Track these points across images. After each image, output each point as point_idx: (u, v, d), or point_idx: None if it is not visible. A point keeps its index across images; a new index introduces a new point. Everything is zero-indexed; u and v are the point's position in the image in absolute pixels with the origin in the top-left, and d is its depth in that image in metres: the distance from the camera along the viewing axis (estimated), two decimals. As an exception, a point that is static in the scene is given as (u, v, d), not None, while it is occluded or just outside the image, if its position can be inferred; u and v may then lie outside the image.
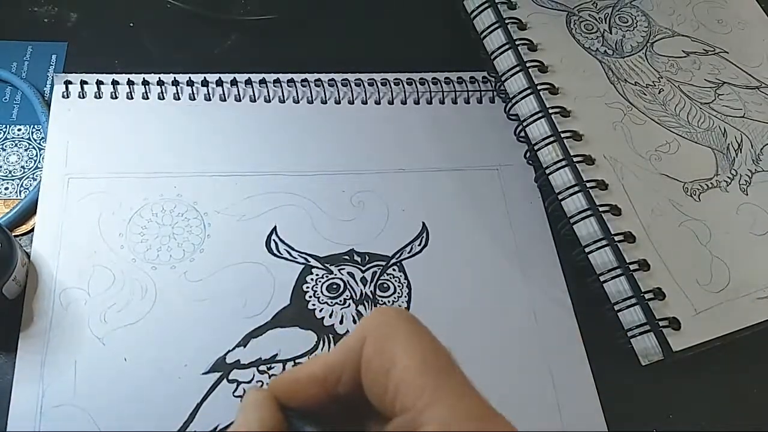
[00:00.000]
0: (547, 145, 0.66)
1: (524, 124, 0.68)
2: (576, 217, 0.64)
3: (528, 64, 0.69)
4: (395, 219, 0.66)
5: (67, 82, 0.68)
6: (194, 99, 0.70)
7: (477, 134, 0.72)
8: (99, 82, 0.69)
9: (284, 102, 0.71)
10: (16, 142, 0.66)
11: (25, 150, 0.66)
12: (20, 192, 0.64)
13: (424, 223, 0.66)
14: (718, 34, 0.78)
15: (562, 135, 0.66)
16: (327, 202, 0.66)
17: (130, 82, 0.69)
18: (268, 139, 0.69)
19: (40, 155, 0.66)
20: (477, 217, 0.67)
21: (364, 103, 0.72)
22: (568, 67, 0.70)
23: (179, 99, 0.69)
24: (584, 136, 0.66)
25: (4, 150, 0.66)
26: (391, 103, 0.72)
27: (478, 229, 0.66)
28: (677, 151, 0.68)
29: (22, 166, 0.65)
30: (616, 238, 0.62)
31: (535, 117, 0.67)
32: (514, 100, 0.69)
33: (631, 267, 0.61)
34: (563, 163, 0.65)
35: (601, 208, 0.63)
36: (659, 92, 0.71)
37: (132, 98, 0.69)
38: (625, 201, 0.64)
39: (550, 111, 0.67)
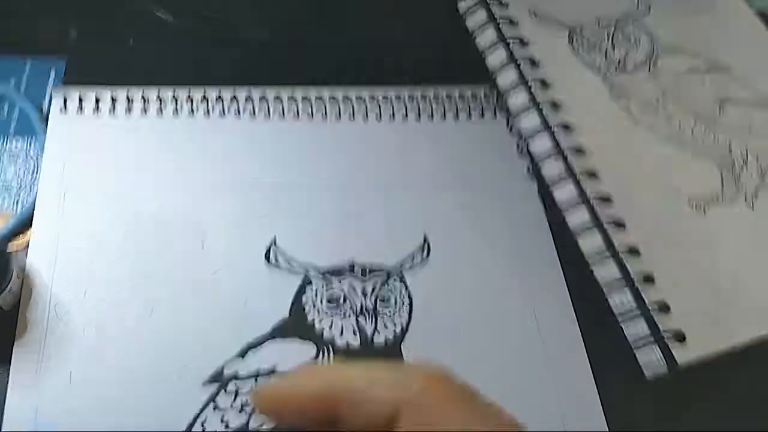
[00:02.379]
0: (549, 160, 0.66)
1: (526, 139, 0.68)
2: (580, 232, 0.63)
3: (530, 81, 0.69)
4: (396, 231, 0.65)
5: (66, 98, 0.68)
6: (193, 115, 0.69)
7: (478, 149, 0.71)
8: (97, 98, 0.68)
9: (284, 117, 0.70)
10: (13, 156, 0.66)
11: (22, 164, 0.66)
12: (16, 205, 0.63)
13: (425, 235, 0.65)
14: (722, 51, 0.77)
15: (565, 150, 0.65)
16: (327, 215, 0.65)
17: (128, 98, 0.69)
18: (268, 155, 0.68)
19: (37, 169, 0.65)
20: (478, 230, 0.66)
21: (365, 118, 0.72)
22: (570, 83, 0.70)
23: (178, 114, 0.69)
24: (587, 150, 0.66)
25: (1, 164, 0.65)
26: (392, 118, 0.72)
27: (479, 242, 0.66)
28: (682, 165, 0.68)
29: (19, 180, 0.65)
30: (621, 252, 0.61)
31: (538, 132, 0.67)
32: (516, 116, 0.69)
33: (636, 280, 0.60)
34: (567, 178, 0.65)
35: (605, 222, 0.62)
36: (663, 108, 0.71)
37: (130, 114, 0.68)
38: (629, 215, 0.63)
39: (552, 127, 0.66)
